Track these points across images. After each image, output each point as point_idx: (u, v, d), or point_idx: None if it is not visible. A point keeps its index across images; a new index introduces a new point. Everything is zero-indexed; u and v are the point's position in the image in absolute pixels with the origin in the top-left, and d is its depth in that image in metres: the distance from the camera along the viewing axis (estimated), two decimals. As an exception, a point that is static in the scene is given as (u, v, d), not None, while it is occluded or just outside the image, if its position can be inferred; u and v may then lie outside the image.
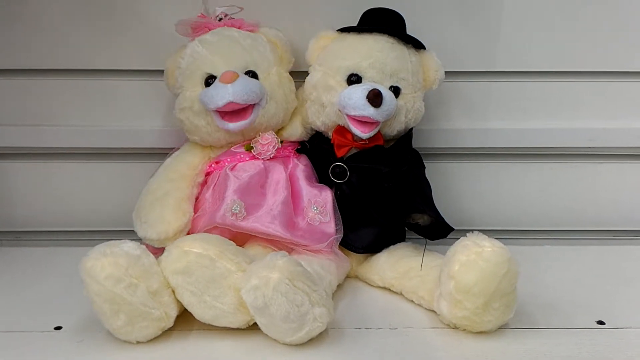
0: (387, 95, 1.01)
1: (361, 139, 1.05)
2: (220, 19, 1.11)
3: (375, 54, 1.04)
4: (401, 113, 1.06)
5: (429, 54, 1.10)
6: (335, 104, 1.04)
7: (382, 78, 1.04)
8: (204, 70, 1.06)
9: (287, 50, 1.14)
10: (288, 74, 1.13)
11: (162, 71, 1.18)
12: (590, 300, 1.00)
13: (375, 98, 0.99)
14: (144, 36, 1.21)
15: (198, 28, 1.09)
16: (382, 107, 1.00)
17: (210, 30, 1.09)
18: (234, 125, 1.03)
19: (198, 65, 1.06)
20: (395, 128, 1.07)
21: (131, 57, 1.22)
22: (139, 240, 0.94)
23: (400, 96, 1.05)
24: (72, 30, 1.20)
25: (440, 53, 1.11)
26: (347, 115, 1.03)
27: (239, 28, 1.10)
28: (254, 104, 1.04)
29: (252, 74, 1.07)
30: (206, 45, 1.07)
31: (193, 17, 1.09)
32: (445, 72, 1.10)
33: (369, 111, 0.99)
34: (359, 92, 1.00)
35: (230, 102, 1.00)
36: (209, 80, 1.05)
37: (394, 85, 1.05)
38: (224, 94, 1.00)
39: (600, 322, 0.93)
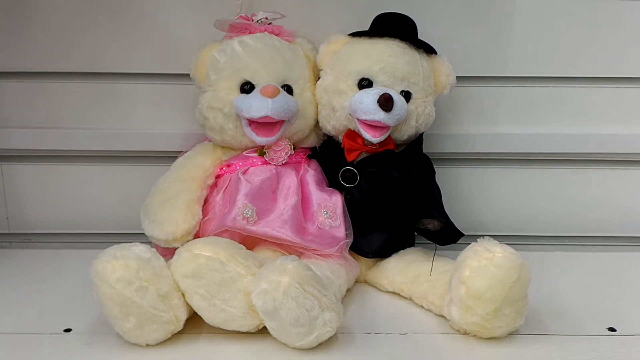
0: (398, 99, 1.01)
1: (371, 144, 1.05)
2: (261, 23, 1.10)
3: (387, 58, 1.04)
4: (412, 118, 1.06)
5: (440, 59, 1.10)
6: (346, 108, 1.04)
7: (393, 82, 1.04)
8: (242, 76, 1.05)
9: (316, 64, 1.13)
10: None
11: (173, 75, 1.20)
12: (601, 307, 1.00)
13: (386, 102, 0.98)
14: (153, 39, 1.21)
15: (238, 28, 1.09)
16: (392, 111, 0.99)
17: (250, 32, 1.09)
18: (261, 140, 1.03)
19: (237, 69, 1.06)
20: (406, 133, 1.07)
21: (141, 61, 1.23)
22: (150, 243, 0.94)
23: (411, 101, 1.05)
24: (82, 33, 1.21)
25: (451, 58, 1.11)
26: (358, 119, 1.02)
27: (277, 35, 1.10)
28: (285, 120, 1.04)
29: (288, 88, 1.07)
30: (248, 49, 1.06)
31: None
32: (456, 77, 1.10)
33: (379, 115, 0.99)
34: (370, 97, 1.00)
35: (267, 117, 1.00)
36: (245, 87, 1.05)
37: (405, 89, 1.05)
38: (262, 107, 1.00)
39: (612, 329, 0.92)
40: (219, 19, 1.08)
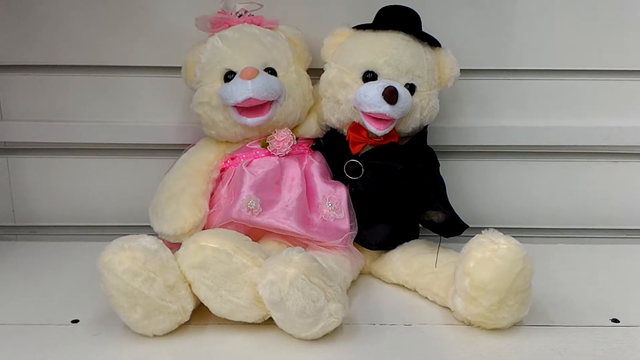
0: (403, 92, 1.01)
1: (376, 136, 1.05)
2: (240, 15, 1.11)
3: (391, 51, 1.04)
4: (416, 110, 1.06)
5: (444, 52, 1.10)
6: (351, 100, 1.04)
7: (397, 75, 1.04)
8: (223, 66, 1.07)
9: (305, 49, 1.15)
10: (306, 72, 1.13)
11: (175, 68, 1.19)
12: (605, 298, 1.00)
13: (390, 95, 0.99)
14: (157, 33, 1.22)
15: (218, 24, 1.10)
16: (397, 104, 1.00)
17: (230, 26, 1.10)
18: (252, 120, 1.04)
19: (218, 61, 1.07)
20: (410, 125, 1.07)
21: (145, 54, 1.23)
22: (156, 235, 0.95)
23: (415, 94, 1.06)
24: (84, 26, 1.21)
25: (454, 51, 1.11)
26: (363, 112, 1.03)
27: (258, 25, 1.11)
28: (272, 101, 1.04)
29: (271, 71, 1.07)
30: (226, 41, 1.08)
31: (213, 13, 1.10)
32: (460, 70, 1.10)
33: (384, 108, 1.00)
34: (374, 89, 1.00)
35: (250, 98, 1.00)
36: (228, 76, 1.06)
37: (410, 82, 1.05)
38: (243, 90, 1.00)
39: (615, 320, 0.93)
40: (198, 18, 1.10)
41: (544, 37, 1.23)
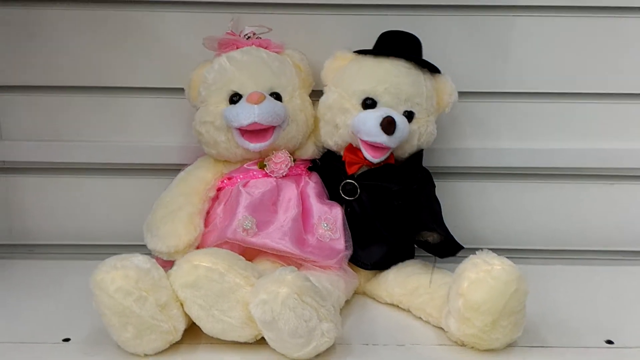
0: (401, 122, 1.02)
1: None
2: (249, 37, 1.12)
3: (392, 78, 1.05)
4: (414, 137, 1.07)
5: (443, 78, 1.11)
6: (349, 126, 1.05)
7: (397, 103, 1.05)
8: (230, 88, 1.07)
9: (309, 74, 1.16)
10: (309, 97, 1.14)
11: (174, 89, 1.20)
12: (599, 319, 1.00)
13: (388, 126, 0.99)
14: (154, 54, 1.23)
15: (226, 45, 1.11)
16: (395, 134, 1.00)
17: (238, 47, 1.11)
18: (254, 145, 1.04)
19: (225, 82, 1.08)
20: (407, 151, 1.09)
21: (146, 75, 1.24)
22: (150, 254, 0.95)
23: (413, 120, 1.06)
24: (84, 48, 1.22)
25: (452, 73, 1.12)
26: (360, 139, 1.03)
27: (266, 48, 1.12)
28: (276, 126, 1.05)
29: (277, 96, 1.08)
30: (234, 63, 1.08)
31: (217, 34, 1.11)
32: (458, 93, 1.11)
33: (381, 138, 1.00)
34: (373, 119, 1.01)
35: (255, 123, 1.01)
36: (234, 98, 1.07)
37: (408, 110, 1.06)
38: (249, 114, 1.01)
39: (609, 342, 0.92)
40: (207, 37, 1.10)
41: (542, 60, 1.24)
